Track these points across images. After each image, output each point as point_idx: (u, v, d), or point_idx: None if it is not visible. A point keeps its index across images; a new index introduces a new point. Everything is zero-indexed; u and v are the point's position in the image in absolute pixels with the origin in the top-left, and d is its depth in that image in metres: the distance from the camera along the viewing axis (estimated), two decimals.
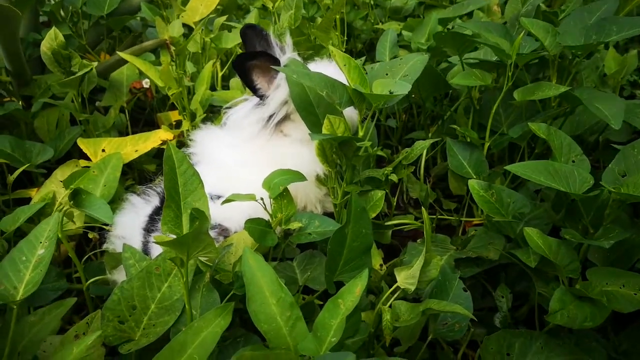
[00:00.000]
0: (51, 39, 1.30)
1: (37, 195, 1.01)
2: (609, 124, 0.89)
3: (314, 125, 1.00)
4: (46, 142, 1.51)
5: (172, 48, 1.27)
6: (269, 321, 0.66)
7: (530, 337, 0.82)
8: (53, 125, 1.60)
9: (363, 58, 1.58)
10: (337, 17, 1.35)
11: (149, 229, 1.00)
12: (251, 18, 1.70)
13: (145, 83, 1.61)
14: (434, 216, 1.16)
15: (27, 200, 1.37)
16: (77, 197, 0.87)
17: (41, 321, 0.74)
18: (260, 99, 1.03)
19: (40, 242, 0.74)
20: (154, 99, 1.64)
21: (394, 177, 1.02)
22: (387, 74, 1.02)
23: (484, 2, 1.55)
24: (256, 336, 0.77)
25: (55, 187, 0.99)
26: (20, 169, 1.19)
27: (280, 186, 0.92)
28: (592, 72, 1.39)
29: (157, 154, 1.49)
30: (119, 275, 0.99)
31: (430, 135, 1.40)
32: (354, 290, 0.65)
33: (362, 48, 2.02)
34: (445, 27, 1.61)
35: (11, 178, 1.17)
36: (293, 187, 0.93)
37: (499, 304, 0.95)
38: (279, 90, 1.00)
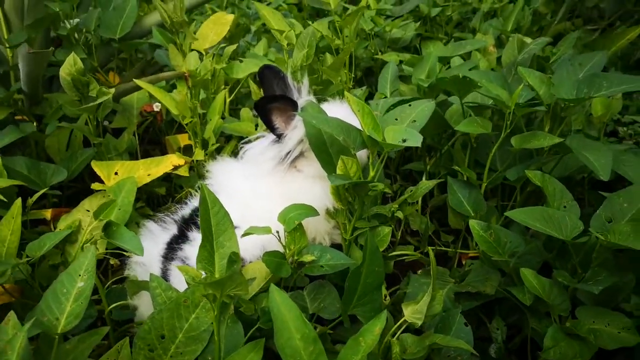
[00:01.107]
0: (70, 65, 1.35)
1: (62, 223, 1.06)
2: (597, 175, 0.98)
3: (327, 164, 1.07)
4: (57, 162, 1.56)
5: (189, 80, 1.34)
6: (294, 355, 0.73)
7: None
8: (64, 145, 1.64)
9: (364, 88, 1.66)
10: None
11: (167, 257, 1.07)
12: (259, 47, 1.77)
13: (156, 107, 1.67)
14: (434, 247, 1.23)
15: (42, 221, 1.42)
16: (108, 228, 0.93)
17: (76, 349, 0.79)
18: (278, 138, 1.10)
19: (79, 275, 0.79)
20: (163, 122, 1.70)
21: (400, 214, 1.10)
22: (396, 119, 1.09)
23: (481, 44, 1.65)
24: None
25: (81, 215, 1.04)
26: (40, 192, 1.24)
27: (295, 220, 0.99)
28: (579, 113, 1.49)
29: (166, 178, 1.55)
30: (139, 301, 1.05)
31: (428, 167, 1.48)
32: (374, 330, 0.72)
33: (361, 75, 2.11)
34: (444, 64, 1.71)
35: (31, 200, 1.21)
36: (304, 220, 1.01)
37: (494, 336, 1.03)
38: (296, 131, 1.08)
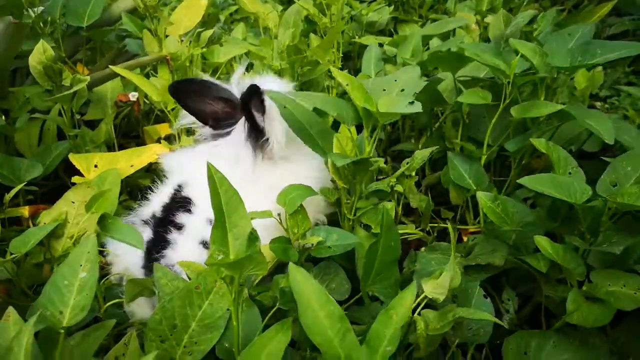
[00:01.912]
0: (40, 53, 1.27)
1: (46, 216, 0.98)
2: (603, 139, 0.98)
3: (314, 146, 1.04)
4: (28, 157, 1.46)
5: (172, 63, 1.27)
6: (320, 333, 0.69)
7: (544, 336, 0.89)
8: (35, 140, 1.54)
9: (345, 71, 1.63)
10: None
11: (148, 267, 0.99)
12: (237, 32, 1.72)
13: (132, 96, 1.59)
14: (436, 225, 1.22)
15: (16, 220, 1.33)
16: (103, 222, 0.86)
17: (81, 344, 0.73)
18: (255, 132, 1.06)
19: (81, 265, 0.73)
20: (140, 111, 1.62)
21: (399, 188, 1.08)
22: (384, 90, 1.07)
23: (463, 21, 1.65)
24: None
25: (66, 208, 0.97)
26: (17, 188, 1.15)
27: (296, 201, 0.95)
28: (563, 86, 1.51)
29: (149, 168, 1.48)
30: (135, 305, 0.97)
31: (420, 147, 1.46)
32: (405, 302, 0.69)
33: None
34: (426, 44, 1.70)
35: (8, 196, 1.13)
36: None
37: (506, 307, 1.02)
38: (274, 123, 1.05)
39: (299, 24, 1.37)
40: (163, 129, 1.57)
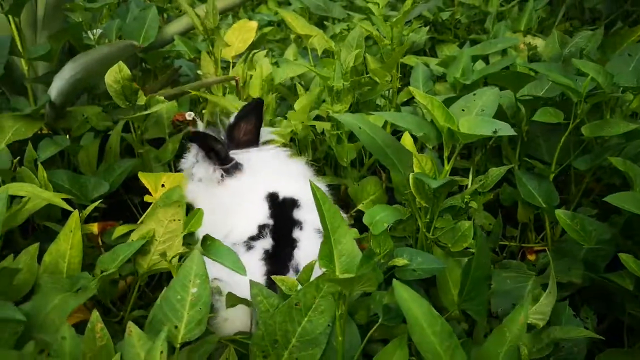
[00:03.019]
0: (116, 72, 1.31)
1: (135, 234, 1.01)
2: None
3: (391, 166, 1.06)
4: (89, 175, 1.49)
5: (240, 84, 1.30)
6: (430, 351, 0.70)
7: (632, 355, 0.89)
8: (94, 158, 1.57)
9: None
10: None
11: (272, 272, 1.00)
12: (289, 53, 1.75)
13: (189, 115, 1.62)
14: (507, 243, 1.23)
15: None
16: (205, 243, 0.88)
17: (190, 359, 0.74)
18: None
19: (190, 281, 0.75)
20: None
21: (474, 204, 1.09)
22: (463, 110, 1.09)
23: (512, 42, 1.68)
24: None
25: (155, 225, 0.99)
26: (93, 205, 1.18)
27: (384, 222, 0.96)
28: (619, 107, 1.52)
29: None
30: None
31: (475, 164, 1.48)
32: (518, 319, 0.70)
33: None
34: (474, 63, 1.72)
35: (85, 213, 1.15)
36: None
37: (585, 325, 1.02)
38: None
39: (362, 45, 1.40)
40: None
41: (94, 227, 1.31)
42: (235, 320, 0.89)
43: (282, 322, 0.79)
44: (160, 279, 1.28)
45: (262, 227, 1.00)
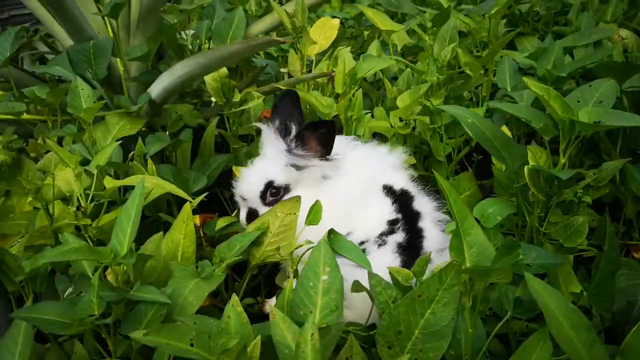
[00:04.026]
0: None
1: (252, 225, 1.04)
2: None
3: (500, 157, 1.04)
4: (185, 170, 1.56)
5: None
6: (568, 344, 0.69)
7: None
8: (188, 153, 1.64)
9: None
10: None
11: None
12: (372, 48, 1.76)
13: None
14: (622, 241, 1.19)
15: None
16: (331, 238, 0.90)
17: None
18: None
19: (320, 269, 0.77)
20: None
21: (587, 199, 1.06)
22: (578, 101, 1.06)
23: (607, 33, 1.61)
24: None
25: (271, 218, 1.02)
26: (199, 198, 1.23)
27: (497, 216, 0.96)
28: None
29: None
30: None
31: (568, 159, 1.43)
32: None
33: None
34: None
35: (194, 203, 1.20)
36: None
37: None
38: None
39: (456, 38, 1.39)
40: None
41: (196, 219, 1.37)
42: (355, 309, 0.91)
43: (405, 313, 0.80)
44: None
45: (392, 222, 1.02)
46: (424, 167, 1.43)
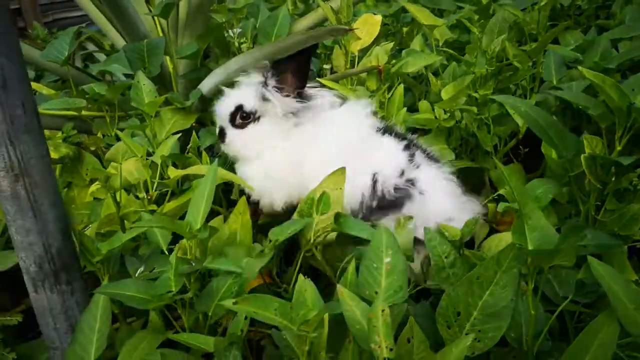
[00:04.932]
0: None
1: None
2: None
3: (554, 146, 1.05)
4: None
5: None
6: (634, 325, 0.70)
7: None
8: None
9: None
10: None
11: None
12: (415, 43, 1.78)
13: None
14: None
15: None
16: (339, 221, 0.94)
17: None
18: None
19: (382, 251, 0.80)
20: None
21: None
22: (633, 90, 1.06)
23: None
24: None
25: (317, 193, 1.06)
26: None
27: (549, 194, 0.97)
28: None
29: None
30: None
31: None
32: None
33: None
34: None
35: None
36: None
37: None
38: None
39: (505, 31, 1.40)
40: None
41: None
42: None
43: (463, 294, 0.82)
44: None
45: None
46: (470, 158, 1.44)
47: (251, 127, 1.19)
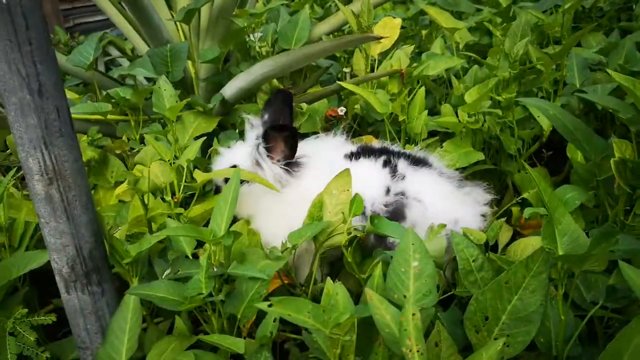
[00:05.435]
0: None
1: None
2: None
3: (581, 150, 1.05)
4: None
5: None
6: None
7: None
8: None
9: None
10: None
11: None
12: (436, 46, 1.78)
13: (341, 111, 1.71)
14: None
15: None
16: (374, 222, 0.95)
17: None
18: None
19: (410, 256, 0.80)
20: (346, 125, 1.73)
21: None
22: None
23: None
24: None
25: (326, 197, 1.07)
26: None
27: (576, 200, 0.96)
28: None
29: None
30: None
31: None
32: None
33: None
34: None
35: None
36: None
37: None
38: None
39: (528, 34, 1.39)
40: (368, 140, 1.67)
41: None
42: None
43: (492, 299, 0.82)
44: None
45: None
46: (492, 162, 1.44)
47: (246, 187, 1.18)
